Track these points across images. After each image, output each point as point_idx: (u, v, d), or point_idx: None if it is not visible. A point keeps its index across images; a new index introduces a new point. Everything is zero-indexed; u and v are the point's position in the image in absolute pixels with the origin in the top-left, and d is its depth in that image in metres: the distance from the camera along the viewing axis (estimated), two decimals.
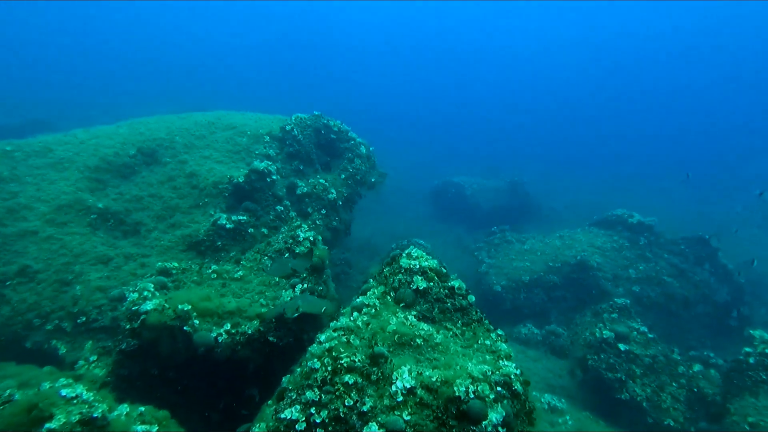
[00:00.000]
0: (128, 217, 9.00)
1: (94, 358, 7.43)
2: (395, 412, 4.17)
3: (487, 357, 4.95)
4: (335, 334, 5.01)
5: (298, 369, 4.84)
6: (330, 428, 4.10)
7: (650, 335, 9.69)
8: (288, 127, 10.61)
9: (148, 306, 5.99)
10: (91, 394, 4.64)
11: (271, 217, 9.30)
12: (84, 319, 7.63)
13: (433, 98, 64.56)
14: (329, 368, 4.45)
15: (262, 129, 10.80)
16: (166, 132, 10.33)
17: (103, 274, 8.20)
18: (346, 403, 4.21)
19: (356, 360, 4.52)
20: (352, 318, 5.26)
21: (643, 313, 11.21)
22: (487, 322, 5.49)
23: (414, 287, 5.61)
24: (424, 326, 5.20)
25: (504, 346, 5.07)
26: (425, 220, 23.66)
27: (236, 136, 10.61)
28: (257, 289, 6.88)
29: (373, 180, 11.22)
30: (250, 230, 8.93)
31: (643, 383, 8.89)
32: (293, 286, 6.61)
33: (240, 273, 7.14)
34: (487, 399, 4.23)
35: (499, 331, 5.34)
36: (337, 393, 4.29)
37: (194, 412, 6.11)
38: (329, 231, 9.97)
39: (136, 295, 6.33)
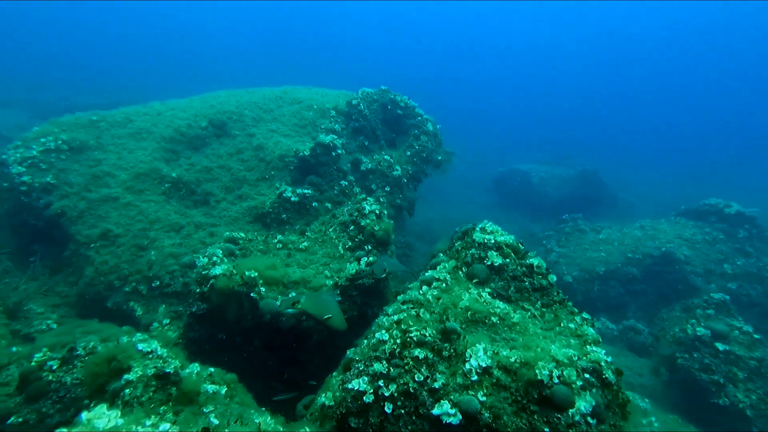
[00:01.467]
0: (199, 188, 9.22)
1: (167, 321, 7.70)
2: (469, 392, 3.83)
3: (572, 341, 4.45)
4: (404, 307, 4.74)
5: (365, 341, 4.63)
6: (399, 403, 3.83)
7: (756, 336, 8.56)
8: (354, 102, 10.41)
9: (217, 271, 6.01)
10: (165, 350, 4.69)
11: (336, 191, 9.17)
12: (158, 283, 7.90)
13: (494, 87, 62.51)
14: (398, 341, 4.19)
15: (329, 103, 10.69)
16: (235, 105, 10.49)
17: (175, 241, 8.45)
18: (416, 378, 3.92)
19: (426, 334, 4.22)
20: (421, 292, 4.95)
21: (740, 312, 9.97)
22: (570, 304, 4.96)
23: (488, 263, 5.19)
24: (500, 304, 4.78)
25: (591, 330, 4.54)
26: (488, 208, 22.83)
27: (303, 110, 10.57)
28: (322, 261, 6.74)
29: (439, 158, 10.79)
30: (314, 204, 8.86)
31: (746, 388, 7.86)
32: (358, 259, 6.40)
33: (305, 244, 7.03)
34: (573, 386, 3.77)
35: (585, 315, 4.80)
36: (406, 367, 4.02)
37: (258, 380, 6.08)
38: (393, 208, 9.70)
39: (206, 260, 6.40)
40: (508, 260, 5.23)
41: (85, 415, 2.24)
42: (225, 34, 64.41)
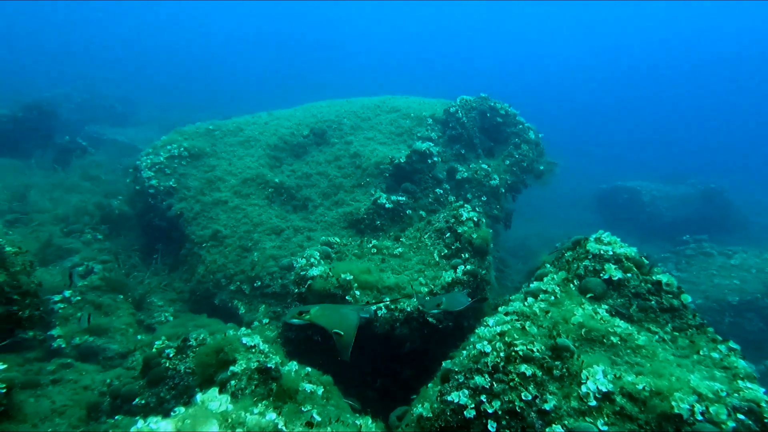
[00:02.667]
0: (298, 193, 9.60)
1: (266, 321, 8.01)
2: (586, 418, 3.36)
3: (716, 373, 3.75)
4: (507, 318, 4.37)
5: (465, 351, 4.32)
6: (504, 422, 3.47)
7: None
8: (452, 110, 10.23)
9: (315, 272, 6.10)
10: (267, 345, 4.80)
11: (430, 199, 9.00)
12: (259, 283, 8.27)
13: (595, 96, 58.56)
14: (501, 354, 3.84)
15: (426, 111, 10.63)
16: (335, 114, 10.86)
17: (276, 243, 8.83)
18: (523, 397, 3.54)
19: (534, 349, 3.82)
20: (526, 303, 4.54)
21: None
22: (711, 330, 4.22)
23: (605, 276, 4.63)
24: (620, 323, 4.21)
25: (743, 363, 3.81)
26: (588, 227, 21.12)
27: (400, 119, 10.63)
28: (416, 267, 6.55)
29: (541, 168, 10.16)
30: (408, 212, 8.76)
31: None
32: (455, 267, 6.11)
33: (399, 250, 6.91)
34: (723, 426, 3.13)
35: (732, 344, 4.05)
36: (511, 384, 3.66)
37: (351, 386, 6.02)
38: (489, 219, 9.26)
39: (304, 261, 6.54)
40: (629, 275, 4.62)
41: (199, 396, 2.24)
42: (330, 47, 68.42)
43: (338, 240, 8.34)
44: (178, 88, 35.50)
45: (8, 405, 3.12)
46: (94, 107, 23.67)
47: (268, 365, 4.40)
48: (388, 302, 5.76)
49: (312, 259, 6.54)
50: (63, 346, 6.36)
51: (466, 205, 6.98)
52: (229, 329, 6.59)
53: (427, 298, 5.71)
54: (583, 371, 3.60)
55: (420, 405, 4.14)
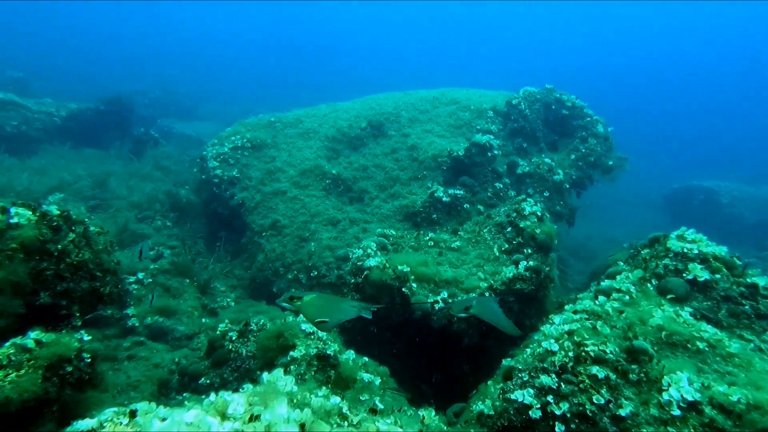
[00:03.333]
0: (355, 185, 9.64)
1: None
2: (668, 429, 3.09)
3: None
4: (576, 317, 4.13)
5: (528, 349, 4.13)
6: (573, 426, 3.26)
7: None
8: (515, 101, 9.86)
9: (371, 263, 6.06)
10: (324, 333, 4.84)
11: (489, 194, 8.74)
12: (315, 273, 8.39)
13: (666, 88, 54.67)
14: (570, 354, 3.63)
15: (486, 104, 10.33)
16: (393, 107, 10.81)
17: (332, 234, 8.91)
18: (595, 400, 3.32)
19: (607, 351, 3.57)
20: (597, 302, 4.26)
21: None
22: None
23: (689, 277, 4.25)
24: (708, 328, 3.84)
25: None
26: (655, 228, 19.75)
27: (459, 111, 10.40)
28: (475, 262, 6.37)
29: (610, 163, 9.56)
30: (466, 206, 8.55)
31: None
32: (516, 263, 5.87)
33: (457, 243, 6.74)
34: None
35: None
36: (581, 385, 3.45)
37: (406, 379, 5.97)
38: (551, 216, 8.84)
39: (360, 251, 6.53)
40: (718, 276, 4.22)
41: (266, 376, 2.24)
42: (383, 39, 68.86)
43: (394, 232, 8.29)
44: (240, 83, 36.97)
45: (92, 374, 3.29)
46: (165, 103, 25.16)
47: (327, 352, 4.43)
48: (397, 306, 5.62)
49: (369, 250, 6.51)
50: (137, 324, 6.77)
51: (528, 199, 6.69)
52: (287, 316, 6.73)
53: (455, 300, 5.36)
54: (665, 377, 3.32)
55: (480, 402, 4.00)
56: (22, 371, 3.01)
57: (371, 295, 6.06)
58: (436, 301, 5.71)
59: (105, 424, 1.77)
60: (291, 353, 4.56)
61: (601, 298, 4.30)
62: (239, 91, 33.26)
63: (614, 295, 4.30)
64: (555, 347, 3.75)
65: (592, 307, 4.15)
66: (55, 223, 4.15)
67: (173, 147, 15.99)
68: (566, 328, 3.93)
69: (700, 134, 39.69)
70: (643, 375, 3.43)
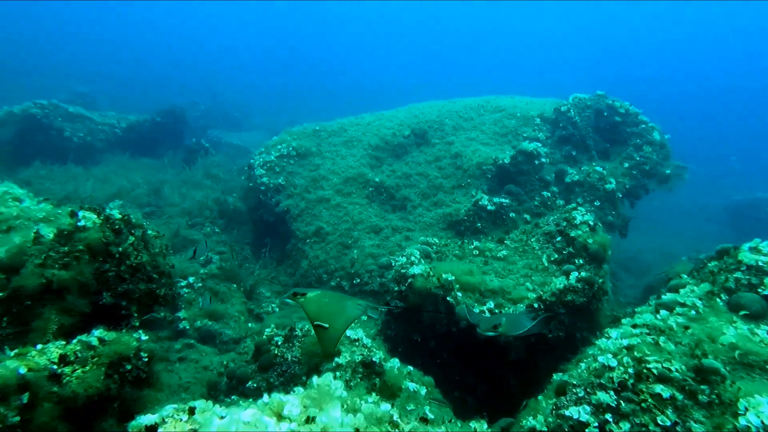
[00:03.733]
0: (398, 193, 9.64)
1: (364, 318, 8.12)
2: None
3: None
4: (636, 331, 3.90)
5: (583, 364, 3.93)
6: None
7: None
8: (563, 108, 9.59)
9: (415, 270, 6.01)
10: (369, 340, 4.82)
11: (536, 202, 8.50)
12: (358, 281, 8.42)
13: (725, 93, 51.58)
14: (630, 370, 3.43)
15: (533, 111, 10.11)
16: (437, 115, 10.77)
17: (375, 242, 8.93)
18: (660, 422, 3.13)
19: (672, 369, 3.34)
20: (659, 316, 4.02)
21: None
22: None
23: (765, 292, 3.93)
24: None
25: None
26: (715, 242, 18.55)
27: (504, 119, 10.23)
28: (522, 272, 6.18)
29: (667, 172, 9.08)
30: (512, 215, 8.35)
31: None
32: (567, 273, 5.64)
33: (503, 252, 6.58)
34: None
35: None
36: (643, 405, 3.25)
37: (450, 390, 5.85)
38: (603, 226, 8.48)
39: (404, 259, 6.49)
40: None
41: (316, 380, 2.23)
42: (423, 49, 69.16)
43: (437, 241, 8.21)
44: (286, 95, 38.09)
45: (149, 373, 3.41)
46: (214, 114, 26.23)
47: (373, 359, 4.40)
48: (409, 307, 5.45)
49: (412, 258, 6.47)
50: (187, 327, 7.01)
51: (579, 208, 6.45)
52: None
53: (483, 316, 5.00)
54: (741, 400, 3.07)
55: (531, 417, 3.84)
56: (87, 367, 3.15)
57: (415, 303, 6.00)
58: (482, 311, 5.58)
59: (167, 420, 1.82)
60: (336, 359, 4.56)
61: (663, 312, 4.05)
62: (285, 102, 34.28)
63: (678, 309, 4.04)
64: (613, 362, 3.56)
65: (654, 322, 3.91)
66: (117, 226, 4.36)
67: (222, 156, 16.63)
68: (625, 342, 3.72)
69: (764, 144, 37.16)
70: (714, 397, 3.19)
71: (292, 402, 1.86)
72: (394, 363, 4.59)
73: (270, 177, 10.30)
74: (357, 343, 4.77)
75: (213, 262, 8.91)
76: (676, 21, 66.74)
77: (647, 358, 3.45)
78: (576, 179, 8.80)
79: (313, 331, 5.72)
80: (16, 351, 2.84)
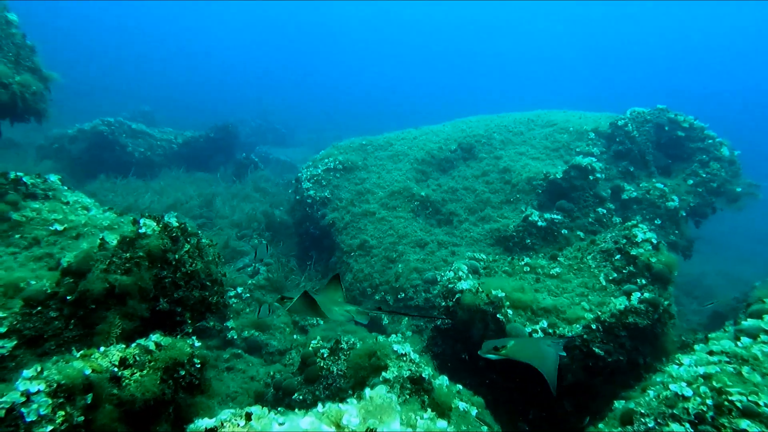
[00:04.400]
0: (443, 207, 9.51)
1: (409, 333, 7.99)
2: None
3: None
4: (713, 359, 3.58)
5: (651, 391, 3.63)
6: None
7: None
8: (620, 122, 9.20)
9: (463, 286, 5.85)
10: (417, 355, 4.69)
11: (590, 219, 8.13)
12: (403, 295, 8.31)
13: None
14: (708, 401, 3.14)
15: (587, 125, 9.75)
16: (484, 129, 10.62)
17: (420, 257, 8.82)
18: None
19: (761, 403, 3.00)
20: (740, 344, 3.65)
21: None
22: None
23: None
24: None
25: None
26: None
27: (556, 133, 9.93)
28: (578, 291, 5.87)
29: (738, 190, 8.45)
30: (564, 231, 8.01)
31: None
32: (628, 294, 5.30)
33: (556, 270, 6.29)
34: None
35: None
36: None
37: (501, 413, 5.59)
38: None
39: (451, 274, 6.34)
40: None
41: (369, 391, 2.15)
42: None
43: (484, 257, 8.00)
44: (332, 113, 39.06)
45: (201, 380, 3.44)
46: (263, 131, 27.19)
47: (422, 375, 4.26)
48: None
49: (460, 272, 6.31)
50: (235, 337, 7.12)
51: (641, 225, 6.08)
52: (378, 336, 6.70)
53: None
54: None
55: None
56: (144, 371, 3.21)
57: (462, 319, 5.83)
58: (535, 330, 5.33)
59: (225, 424, 1.80)
60: (383, 374, 4.45)
61: (745, 339, 3.69)
62: (331, 120, 35.08)
63: (763, 337, 3.67)
64: (688, 392, 3.26)
65: (734, 350, 3.57)
66: (174, 234, 4.50)
67: (270, 171, 17.12)
68: (701, 371, 3.41)
69: None
70: None
71: (351, 412, 1.79)
72: (443, 380, 4.43)
73: (316, 190, 10.45)
74: (404, 358, 4.65)
75: (260, 273, 9.08)
76: (743, 27, 63.34)
77: (729, 389, 3.14)
78: (634, 196, 8.37)
79: (359, 344, 5.67)
80: (81, 352, 2.94)
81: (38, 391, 2.37)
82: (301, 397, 5.14)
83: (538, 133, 10.12)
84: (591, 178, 8.20)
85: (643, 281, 5.56)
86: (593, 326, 5.11)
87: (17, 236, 4.73)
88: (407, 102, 46.71)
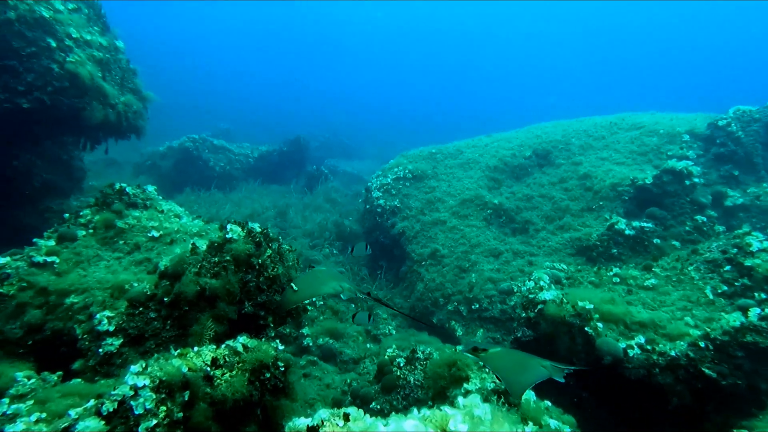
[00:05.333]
0: (518, 215, 9.11)
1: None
2: None
3: None
4: None
5: None
6: None
7: None
8: (721, 123, 8.34)
9: (546, 296, 5.51)
10: None
11: (687, 228, 7.39)
12: (477, 306, 8.03)
13: None
14: None
15: (680, 127, 8.96)
16: (561, 134, 10.11)
17: (494, 266, 8.49)
18: None
19: None
20: None
21: None
22: None
23: None
24: None
25: None
26: None
27: (643, 136, 9.21)
28: (679, 304, 5.31)
29: None
30: (656, 241, 7.35)
31: None
32: (743, 309, 4.69)
33: (651, 281, 5.75)
34: None
35: None
36: None
37: None
38: None
39: (532, 283, 6.02)
40: None
41: (462, 400, 2.01)
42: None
43: (565, 267, 7.56)
44: (397, 127, 39.57)
45: (285, 383, 3.46)
46: (331, 145, 27.98)
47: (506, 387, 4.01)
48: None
49: (541, 282, 5.96)
50: (310, 344, 7.22)
51: (755, 233, 5.39)
52: (456, 345, 6.52)
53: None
54: None
55: None
56: (234, 372, 3.28)
57: (546, 332, 5.48)
58: (630, 346, 4.86)
59: (325, 423, 1.75)
60: (465, 385, 4.26)
61: None
62: (395, 132, 35.51)
63: None
64: None
65: None
66: (257, 239, 4.63)
67: (339, 182, 17.53)
68: None
69: None
70: None
71: (456, 417, 1.66)
72: (530, 395, 4.14)
73: (386, 199, 10.47)
74: (486, 369, 4.42)
75: None
76: None
77: None
78: (740, 203, 7.52)
79: (435, 354, 5.51)
80: (179, 351, 3.05)
81: (144, 386, 2.48)
82: (378, 407, 5.06)
83: (623, 136, 9.43)
84: (687, 183, 7.46)
85: (763, 296, 4.90)
86: (701, 344, 4.57)
87: (121, 242, 5.12)
88: (466, 114, 46.33)
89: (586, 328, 5.12)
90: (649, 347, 4.81)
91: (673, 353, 4.65)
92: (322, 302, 8.56)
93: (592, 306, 5.23)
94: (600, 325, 5.13)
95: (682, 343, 4.67)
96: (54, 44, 7.17)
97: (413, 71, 71.95)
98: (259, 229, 4.85)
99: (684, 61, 64.11)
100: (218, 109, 36.16)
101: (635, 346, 4.85)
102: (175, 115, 26.78)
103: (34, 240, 4.81)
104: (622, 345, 4.89)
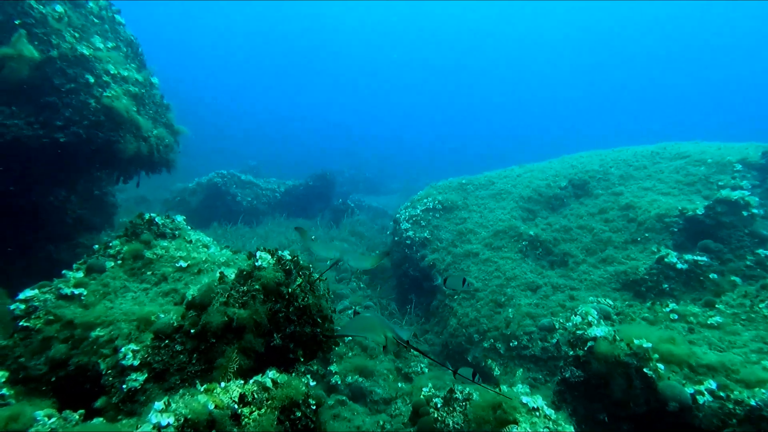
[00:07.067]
0: (556, 247, 8.66)
1: (526, 389, 7.11)
2: None
3: None
4: None
5: None
6: None
7: None
8: None
9: (597, 332, 5.04)
10: (552, 410, 3.99)
11: (748, 262, 6.80)
12: (515, 343, 7.51)
13: None
14: None
15: (731, 156, 8.49)
16: (599, 164, 9.73)
17: (532, 301, 8.00)
18: None
19: None
20: None
21: None
22: None
23: None
24: None
25: None
26: None
27: (689, 166, 8.75)
28: (752, 346, 4.76)
29: None
30: (712, 276, 6.77)
31: None
32: None
33: (716, 319, 5.21)
34: None
35: None
36: None
37: None
38: None
39: (578, 318, 5.56)
40: None
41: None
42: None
43: (611, 302, 7.04)
44: (420, 164, 39.83)
45: (317, 423, 3.11)
46: (356, 180, 28.18)
47: None
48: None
49: (590, 317, 5.50)
50: (339, 382, 6.81)
51: None
52: (501, 385, 6.02)
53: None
54: None
55: None
56: (263, 410, 2.98)
57: (598, 373, 4.96)
58: (700, 393, 4.31)
59: None
60: (513, 429, 3.81)
61: None
62: (420, 169, 35.67)
63: None
64: None
65: None
66: (287, 267, 4.38)
67: (364, 216, 17.39)
68: None
69: None
70: None
71: None
72: None
73: (415, 231, 10.18)
74: (537, 413, 3.97)
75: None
76: None
77: None
78: None
79: (475, 395, 5.04)
80: (205, 386, 2.78)
81: (168, 425, 2.20)
82: None
83: (666, 166, 8.98)
84: (745, 213, 6.94)
85: None
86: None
87: (149, 273, 4.95)
88: (491, 151, 46.56)
89: (645, 369, 4.62)
90: (722, 394, 4.26)
91: (753, 402, 4.09)
92: (350, 338, 8.17)
93: (650, 345, 4.74)
94: (661, 366, 4.63)
95: (763, 390, 4.12)
96: (92, 80, 7.35)
97: (435, 107, 73.48)
98: (289, 257, 4.61)
99: (724, 91, 63.54)
100: (243, 149, 37.24)
101: (705, 392, 4.31)
102: (201, 155, 27.60)
103: (63, 272, 4.69)
104: (690, 390, 4.35)
